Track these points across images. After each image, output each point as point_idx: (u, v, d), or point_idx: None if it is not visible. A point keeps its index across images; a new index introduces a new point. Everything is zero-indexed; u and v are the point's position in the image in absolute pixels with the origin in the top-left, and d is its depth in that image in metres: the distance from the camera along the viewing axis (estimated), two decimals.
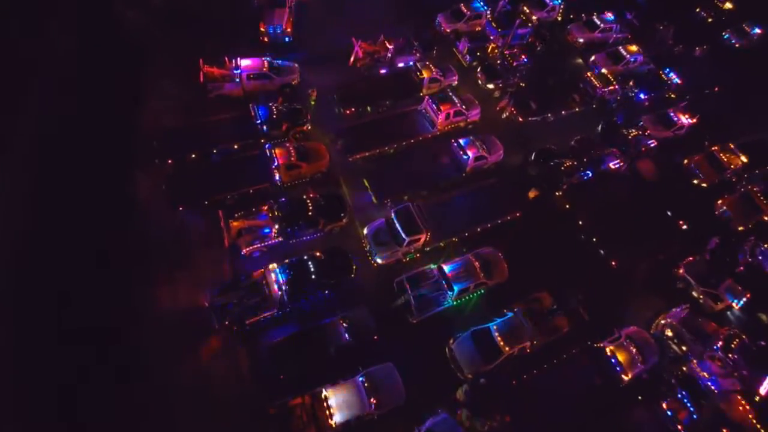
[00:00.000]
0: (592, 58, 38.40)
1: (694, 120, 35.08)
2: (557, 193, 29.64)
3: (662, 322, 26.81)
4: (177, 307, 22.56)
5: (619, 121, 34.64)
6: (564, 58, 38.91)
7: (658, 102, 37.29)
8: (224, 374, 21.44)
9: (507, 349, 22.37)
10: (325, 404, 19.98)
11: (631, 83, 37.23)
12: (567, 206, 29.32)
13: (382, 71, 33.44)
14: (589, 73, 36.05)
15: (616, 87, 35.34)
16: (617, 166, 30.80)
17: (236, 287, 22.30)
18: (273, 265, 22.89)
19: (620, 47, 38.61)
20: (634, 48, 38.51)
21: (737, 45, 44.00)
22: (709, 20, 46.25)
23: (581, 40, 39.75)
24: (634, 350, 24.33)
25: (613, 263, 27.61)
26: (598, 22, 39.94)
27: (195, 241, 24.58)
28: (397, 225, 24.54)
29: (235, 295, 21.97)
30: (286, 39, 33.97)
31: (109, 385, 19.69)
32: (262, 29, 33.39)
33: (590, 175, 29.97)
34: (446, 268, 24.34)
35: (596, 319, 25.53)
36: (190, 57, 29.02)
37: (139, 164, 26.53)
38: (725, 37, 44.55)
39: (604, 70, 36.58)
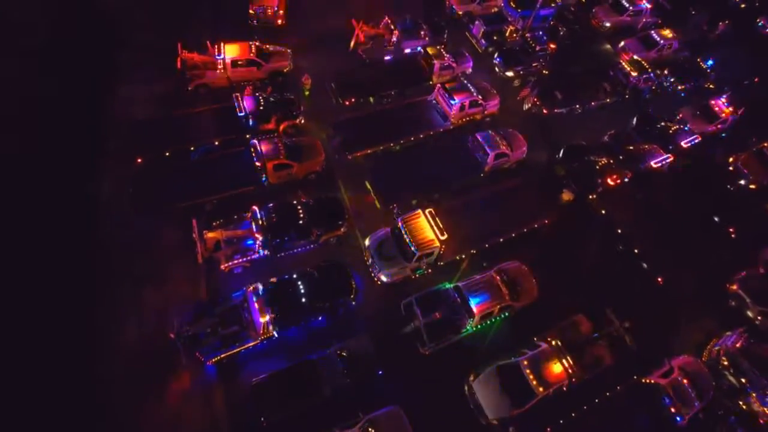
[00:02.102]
0: (622, 43, 34.44)
1: (739, 113, 31.03)
2: (591, 196, 25.53)
3: (716, 348, 22.86)
4: (137, 337, 18.66)
5: (654, 114, 30.53)
6: (590, 43, 34.86)
7: (696, 92, 33.34)
8: (194, 422, 17.51)
9: (541, 389, 18.33)
10: None
11: (665, 71, 33.27)
12: (603, 212, 25.20)
13: (387, 57, 29.61)
14: (621, 60, 31.97)
15: (651, 75, 31.22)
16: (660, 164, 26.66)
17: (210, 313, 18.37)
18: (256, 286, 18.97)
19: (652, 32, 34.63)
20: (668, 33, 34.44)
21: None
22: (743, 5, 42.44)
23: (608, 24, 35.80)
24: (688, 384, 20.41)
25: (659, 279, 23.50)
26: (627, 5, 35.91)
27: (165, 256, 20.70)
28: (406, 236, 20.55)
29: (208, 322, 18.06)
30: (278, 21, 30.30)
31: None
32: (251, 11, 29.69)
33: (630, 175, 25.83)
34: (464, 287, 20.34)
35: (642, 346, 21.53)
36: (169, 39, 25.40)
37: (103, 161, 22.80)
38: (759, 24, 40.60)
39: (635, 57, 32.49)
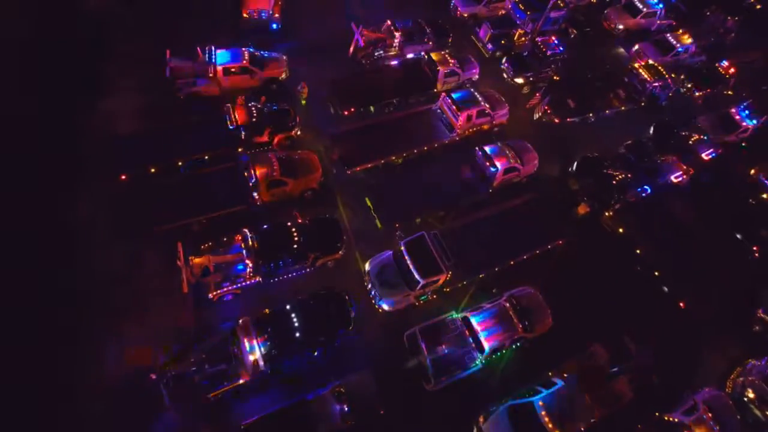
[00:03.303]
0: (636, 47, 32.80)
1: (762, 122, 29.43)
2: (607, 213, 23.90)
3: (740, 379, 21.37)
4: (116, 376, 17.06)
5: (671, 123, 28.87)
6: (602, 47, 33.22)
7: (713, 100, 31.72)
8: None
9: None
10: None
11: (681, 76, 31.68)
12: (620, 230, 23.57)
13: (388, 63, 27.90)
14: (636, 65, 30.30)
15: (669, 81, 29.55)
16: (680, 178, 25.02)
17: (196, 348, 16.83)
18: (245, 318, 17.42)
19: (668, 35, 32.98)
20: (685, 37, 32.78)
21: None
22: (758, 6, 40.82)
23: (621, 27, 34.10)
24: (712, 421, 18.90)
25: (682, 304, 21.91)
26: (641, 6, 34.21)
27: (148, 283, 19.14)
28: (409, 262, 18.99)
29: (193, 360, 16.52)
30: (273, 25, 28.70)
31: None
32: (244, 14, 28.04)
33: (649, 190, 24.18)
34: (473, 318, 18.75)
35: (663, 375, 20.10)
36: (158, 45, 23.83)
37: (82, 179, 21.19)
38: None
39: (651, 61, 30.84)
